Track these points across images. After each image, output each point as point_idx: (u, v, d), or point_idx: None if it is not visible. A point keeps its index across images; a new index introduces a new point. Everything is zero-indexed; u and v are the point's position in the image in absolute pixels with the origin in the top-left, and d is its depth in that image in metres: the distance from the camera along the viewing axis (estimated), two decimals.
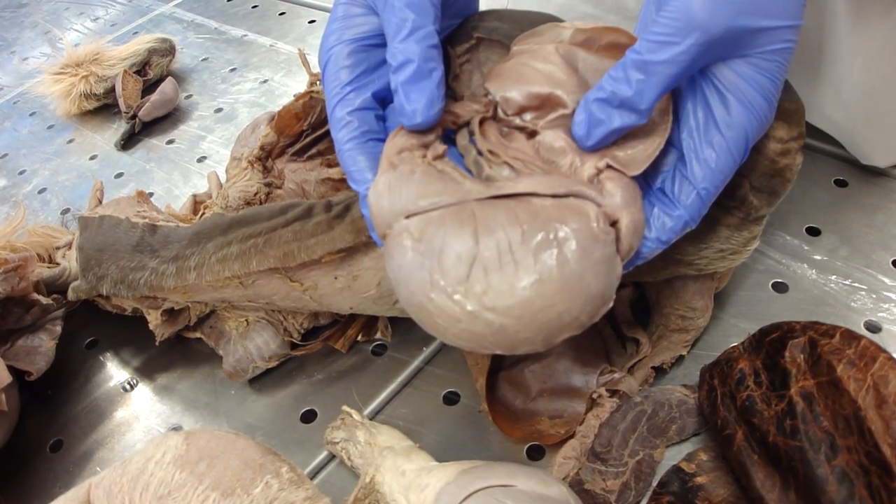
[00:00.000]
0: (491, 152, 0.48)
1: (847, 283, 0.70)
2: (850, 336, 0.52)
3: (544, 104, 0.50)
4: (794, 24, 0.46)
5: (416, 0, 0.49)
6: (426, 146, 0.48)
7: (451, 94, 0.58)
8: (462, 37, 0.57)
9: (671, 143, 0.49)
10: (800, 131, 0.53)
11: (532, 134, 0.50)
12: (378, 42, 0.53)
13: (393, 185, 0.46)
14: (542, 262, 0.42)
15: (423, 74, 0.48)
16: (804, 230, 0.76)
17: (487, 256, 0.42)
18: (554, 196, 0.45)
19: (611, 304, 0.45)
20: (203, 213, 0.75)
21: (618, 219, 0.45)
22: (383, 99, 0.53)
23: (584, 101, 0.47)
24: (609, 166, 0.46)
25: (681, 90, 0.49)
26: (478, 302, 0.42)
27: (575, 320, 0.44)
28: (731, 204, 0.55)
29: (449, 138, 0.51)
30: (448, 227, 0.43)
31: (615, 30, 0.50)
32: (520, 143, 0.49)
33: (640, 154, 0.48)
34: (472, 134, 0.50)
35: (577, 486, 0.58)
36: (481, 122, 0.50)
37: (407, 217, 0.45)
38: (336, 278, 0.60)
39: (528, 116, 0.50)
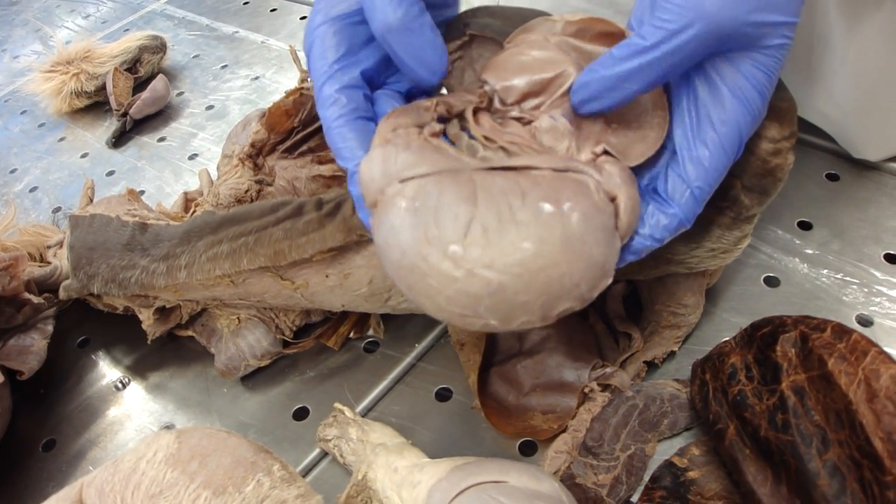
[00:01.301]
0: (486, 138, 0.48)
1: (839, 276, 0.70)
2: (842, 330, 0.52)
3: (546, 89, 0.49)
4: (794, 21, 0.46)
5: None
6: (421, 126, 0.48)
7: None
8: (454, 33, 0.57)
9: (663, 143, 0.49)
10: (792, 130, 0.53)
11: (527, 122, 0.49)
12: (363, 18, 0.52)
13: (388, 154, 0.45)
14: (543, 222, 0.41)
15: (417, 30, 0.48)
16: (796, 224, 0.76)
17: (487, 216, 0.41)
18: (553, 170, 0.44)
19: (610, 280, 0.44)
20: (194, 211, 0.75)
21: (616, 196, 0.45)
22: (370, 79, 0.52)
23: (585, 70, 0.47)
24: (606, 152, 0.46)
25: (673, 86, 0.48)
26: (476, 258, 0.41)
27: (575, 287, 0.43)
28: (722, 204, 0.55)
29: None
30: (446, 188, 0.43)
31: (605, 21, 0.50)
32: (515, 128, 0.49)
33: (635, 146, 0.48)
34: (465, 121, 0.49)
35: (568, 480, 0.58)
36: (475, 112, 0.50)
37: (401, 182, 0.44)
38: (327, 276, 0.60)
39: (529, 104, 0.50)
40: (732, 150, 0.47)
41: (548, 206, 0.42)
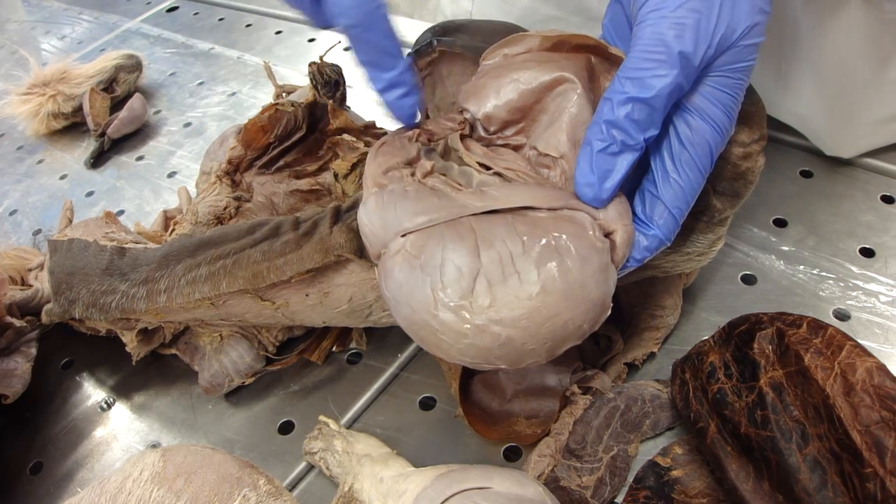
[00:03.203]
0: (481, 164, 0.48)
1: (815, 272, 0.71)
2: (817, 325, 0.52)
3: (527, 114, 0.50)
4: (757, 42, 0.47)
5: None
6: (411, 163, 0.49)
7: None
8: (423, 50, 0.57)
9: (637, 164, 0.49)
10: (761, 133, 0.54)
11: (517, 148, 0.50)
12: None
13: (385, 204, 0.46)
14: (545, 272, 0.42)
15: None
16: (771, 222, 0.77)
17: (490, 269, 0.43)
18: (550, 209, 0.45)
19: (608, 313, 0.46)
20: (173, 230, 0.75)
21: (613, 230, 0.46)
22: None
23: (584, 158, 0.47)
24: None
25: None
26: (484, 315, 0.42)
27: (578, 329, 0.44)
28: (695, 210, 0.55)
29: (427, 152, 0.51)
30: (447, 242, 0.44)
31: (581, 35, 0.50)
32: (509, 154, 0.50)
33: None
34: (454, 150, 0.50)
35: (552, 483, 0.58)
36: (462, 139, 0.50)
37: (403, 235, 0.45)
38: (307, 296, 0.60)
39: (509, 132, 0.50)
40: (705, 169, 0.48)
41: (547, 255, 0.43)
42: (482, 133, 0.51)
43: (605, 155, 0.45)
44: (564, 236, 0.44)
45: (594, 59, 0.51)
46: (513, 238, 0.43)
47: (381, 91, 0.49)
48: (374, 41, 0.47)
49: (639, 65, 0.45)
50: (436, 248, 0.44)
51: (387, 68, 0.49)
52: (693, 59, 0.44)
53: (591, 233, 0.45)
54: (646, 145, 0.46)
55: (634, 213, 0.49)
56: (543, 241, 0.43)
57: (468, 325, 0.43)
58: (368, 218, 0.46)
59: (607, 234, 0.46)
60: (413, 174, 0.48)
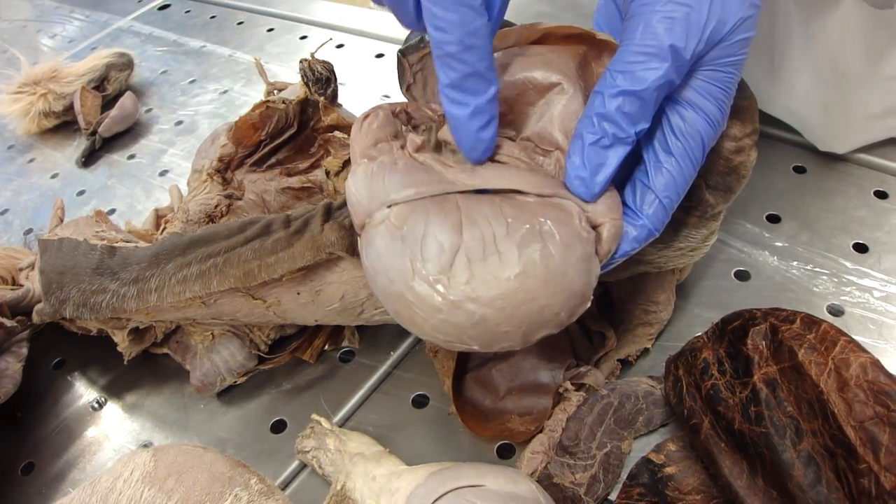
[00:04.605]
0: None
1: (808, 268, 0.71)
2: (811, 321, 0.52)
3: (512, 108, 0.50)
4: (748, 37, 0.47)
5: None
6: (398, 136, 0.48)
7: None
8: (415, 47, 0.57)
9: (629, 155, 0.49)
10: (753, 128, 0.53)
11: (509, 139, 0.50)
12: None
13: (374, 175, 0.46)
14: (526, 256, 0.42)
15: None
16: (764, 217, 0.77)
17: (471, 247, 0.42)
18: (539, 196, 0.45)
19: (588, 305, 0.46)
20: (164, 228, 0.75)
21: (600, 224, 0.45)
22: None
23: (575, 151, 0.46)
24: None
25: None
26: (461, 291, 0.42)
27: (555, 316, 0.44)
28: (688, 204, 0.55)
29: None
30: (431, 216, 0.43)
31: (566, 26, 0.50)
32: (502, 141, 0.49)
33: None
34: (445, 144, 0.49)
35: (545, 480, 0.58)
36: None
37: (388, 206, 0.45)
38: (299, 294, 0.59)
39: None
40: (697, 161, 0.48)
41: (530, 239, 0.43)
42: None
43: (597, 148, 0.45)
44: (550, 222, 0.43)
45: (583, 48, 0.51)
46: (498, 219, 0.43)
47: (465, 118, 0.45)
48: (471, 63, 0.43)
49: (630, 58, 0.45)
50: (419, 220, 0.43)
51: (477, 93, 0.45)
52: (684, 53, 0.44)
53: (577, 222, 0.44)
54: (637, 139, 0.46)
55: (625, 203, 0.49)
56: (528, 224, 0.43)
57: (443, 300, 0.42)
58: (356, 187, 0.46)
59: (595, 227, 0.46)
60: (403, 147, 0.48)
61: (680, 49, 0.44)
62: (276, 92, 0.89)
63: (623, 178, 0.49)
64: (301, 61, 0.77)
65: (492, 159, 0.48)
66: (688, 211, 0.55)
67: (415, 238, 0.43)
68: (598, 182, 0.46)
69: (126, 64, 1.23)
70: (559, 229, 0.43)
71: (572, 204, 0.45)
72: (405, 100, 0.57)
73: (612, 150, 0.45)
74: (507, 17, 0.57)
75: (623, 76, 0.45)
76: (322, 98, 0.76)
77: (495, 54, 0.52)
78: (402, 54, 0.58)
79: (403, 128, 0.50)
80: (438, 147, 0.49)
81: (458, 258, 0.42)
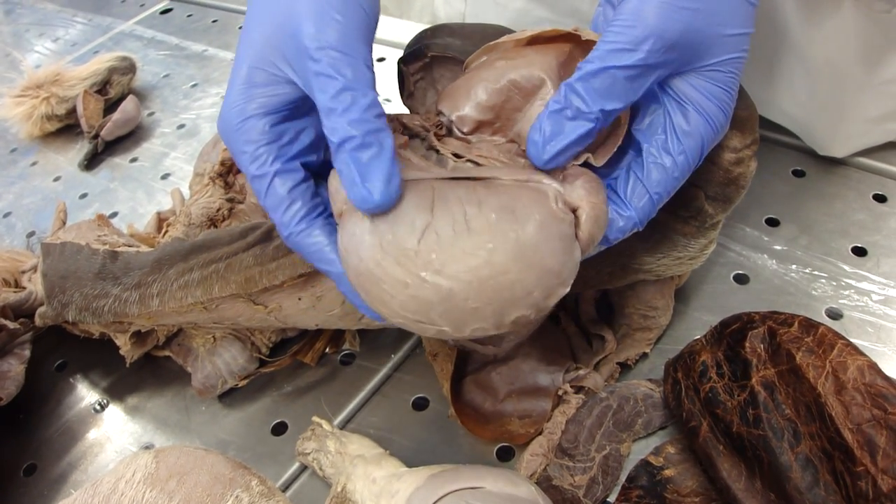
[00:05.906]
0: (455, 154, 0.48)
1: (807, 271, 0.71)
2: (809, 324, 0.53)
3: (499, 115, 0.50)
4: (746, 32, 0.47)
5: (350, 67, 0.44)
6: None
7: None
8: (415, 55, 0.57)
9: (624, 146, 0.49)
10: (753, 138, 0.54)
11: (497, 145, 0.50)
12: (295, 112, 0.49)
13: None
14: (496, 229, 0.42)
15: (374, 150, 0.43)
16: (763, 221, 0.77)
17: (441, 224, 0.42)
18: (515, 180, 0.45)
19: (567, 289, 0.45)
20: (166, 231, 0.75)
21: (578, 206, 0.45)
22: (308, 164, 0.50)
23: (538, 117, 0.47)
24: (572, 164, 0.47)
25: (640, 98, 0.49)
26: (429, 266, 0.42)
27: (528, 295, 0.43)
28: (686, 214, 0.55)
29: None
30: (406, 197, 0.43)
31: (553, 29, 0.51)
32: (483, 145, 0.50)
33: (601, 149, 0.48)
34: (430, 147, 0.50)
35: (545, 482, 0.58)
36: (438, 137, 0.50)
37: None
38: (300, 299, 0.59)
39: (485, 133, 0.50)
40: (694, 161, 0.48)
41: (502, 215, 0.42)
42: (458, 134, 0.51)
43: (558, 116, 0.45)
44: (524, 201, 0.43)
45: (569, 45, 0.51)
46: (471, 199, 0.43)
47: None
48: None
49: (611, 38, 0.45)
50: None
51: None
52: (666, 37, 0.44)
53: (553, 203, 0.44)
54: (605, 120, 0.46)
55: (616, 192, 0.49)
56: (501, 202, 0.43)
57: (410, 275, 0.42)
58: (334, 177, 0.46)
59: (574, 210, 0.45)
60: None
61: (663, 34, 0.44)
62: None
63: (608, 168, 0.49)
64: None
65: (470, 160, 0.48)
66: (686, 221, 0.56)
67: (386, 217, 0.43)
68: (549, 151, 0.45)
69: (128, 68, 1.24)
70: (533, 207, 0.43)
71: (549, 187, 0.45)
72: (405, 106, 0.58)
73: (572, 123, 0.45)
74: (507, 22, 0.58)
75: (599, 53, 0.45)
76: None
77: (482, 59, 0.52)
78: (403, 62, 0.58)
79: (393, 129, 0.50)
80: (428, 154, 0.50)
81: (427, 234, 0.42)
